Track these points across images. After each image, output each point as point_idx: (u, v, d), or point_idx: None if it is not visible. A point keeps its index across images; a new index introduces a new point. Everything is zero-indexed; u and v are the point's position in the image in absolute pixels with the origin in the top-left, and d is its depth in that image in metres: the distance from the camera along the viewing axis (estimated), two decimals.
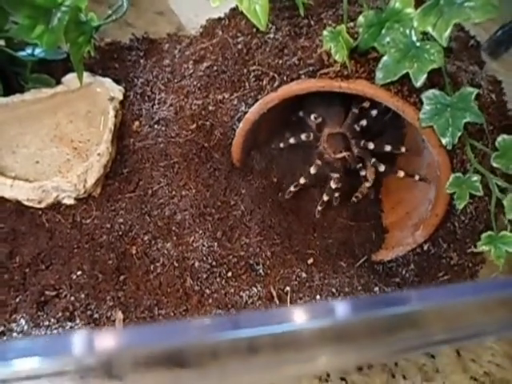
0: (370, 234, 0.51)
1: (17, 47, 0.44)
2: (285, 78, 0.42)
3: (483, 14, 0.35)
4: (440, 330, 0.31)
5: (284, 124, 0.52)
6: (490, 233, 0.37)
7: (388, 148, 0.48)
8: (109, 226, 0.43)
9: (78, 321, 0.38)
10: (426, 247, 0.47)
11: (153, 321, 0.41)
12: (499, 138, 0.37)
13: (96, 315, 0.39)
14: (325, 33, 0.38)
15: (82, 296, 0.40)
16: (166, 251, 0.44)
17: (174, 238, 0.45)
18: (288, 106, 0.50)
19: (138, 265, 0.43)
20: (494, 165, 0.38)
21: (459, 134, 0.38)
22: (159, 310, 0.41)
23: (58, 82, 0.46)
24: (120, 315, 0.40)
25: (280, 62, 0.43)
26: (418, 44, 0.38)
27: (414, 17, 0.37)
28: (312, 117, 0.47)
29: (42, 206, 0.42)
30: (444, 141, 0.38)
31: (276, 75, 0.43)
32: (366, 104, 0.47)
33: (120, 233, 0.44)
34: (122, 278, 0.42)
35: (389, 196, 0.54)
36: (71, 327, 0.38)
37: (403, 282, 0.48)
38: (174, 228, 0.45)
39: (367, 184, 0.51)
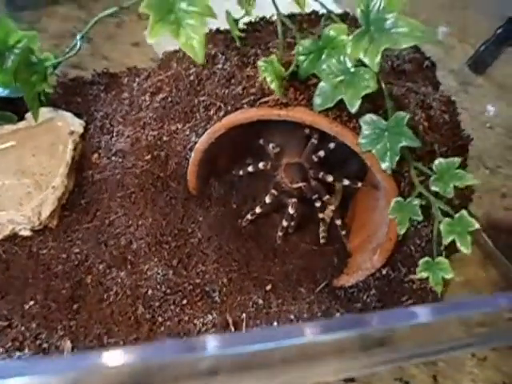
0: (332, 259, 0.50)
1: None
2: (229, 108, 0.43)
3: (411, 40, 0.35)
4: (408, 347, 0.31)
5: (245, 151, 0.52)
6: (427, 259, 0.36)
7: (346, 182, 0.48)
8: (65, 256, 0.45)
9: (26, 350, 0.39)
10: (385, 272, 0.46)
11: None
12: (436, 162, 0.37)
13: (45, 345, 0.40)
14: (259, 63, 0.39)
15: (33, 326, 0.41)
16: (119, 280, 0.45)
17: (129, 266, 0.45)
18: (250, 133, 0.51)
19: (92, 293, 0.44)
20: (433, 188, 0.37)
21: (397, 158, 0.37)
22: (109, 338, 0.42)
23: (23, 118, 0.48)
24: (68, 344, 0.40)
25: (226, 91, 0.44)
26: (352, 70, 0.38)
27: (347, 43, 0.37)
28: (270, 146, 0.48)
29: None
30: (383, 165, 0.38)
31: (222, 105, 0.44)
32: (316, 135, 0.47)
33: (76, 262, 0.45)
34: (75, 306, 0.43)
35: (355, 219, 0.53)
36: (19, 357, 0.39)
37: (365, 307, 0.47)
38: (129, 257, 0.46)
39: (331, 207, 0.51)
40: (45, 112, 0.48)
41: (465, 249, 0.34)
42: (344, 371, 0.27)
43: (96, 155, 0.48)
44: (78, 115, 0.49)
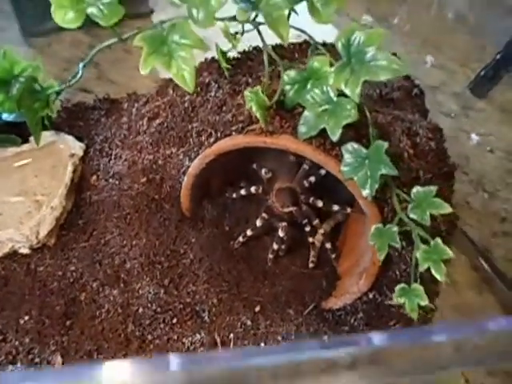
0: (321, 282, 0.51)
1: None
2: (219, 134, 0.45)
3: (389, 73, 0.37)
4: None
5: (238, 175, 0.54)
6: (403, 285, 0.37)
7: (335, 208, 0.49)
8: (61, 273, 0.47)
9: (19, 364, 0.41)
10: (371, 296, 0.47)
11: None
12: (414, 190, 0.38)
13: (37, 359, 0.42)
14: (246, 93, 0.41)
15: (27, 340, 0.43)
16: (112, 297, 0.46)
17: (122, 285, 0.47)
18: (243, 157, 0.53)
19: (85, 310, 0.46)
20: (411, 215, 0.38)
21: (377, 185, 0.38)
22: (98, 354, 0.43)
23: (27, 141, 0.51)
24: (59, 359, 0.42)
25: (217, 118, 0.46)
26: (334, 99, 0.40)
27: (330, 75, 0.39)
28: (263, 171, 0.49)
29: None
30: (364, 193, 0.39)
31: (213, 131, 0.46)
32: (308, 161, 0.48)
33: (71, 280, 0.47)
34: (68, 322, 0.45)
35: (345, 243, 0.54)
36: (12, 370, 0.41)
37: (352, 330, 0.48)
38: (122, 275, 0.48)
39: (320, 231, 0.52)
40: (47, 135, 0.50)
41: (439, 276, 0.35)
42: None
43: (95, 177, 0.50)
44: (80, 139, 0.52)
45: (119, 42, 0.47)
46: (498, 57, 0.75)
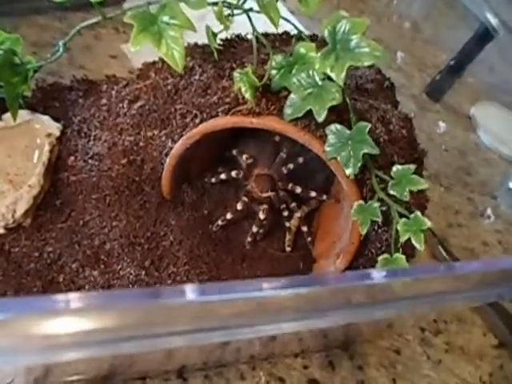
0: (297, 264, 0.53)
1: None
2: (205, 116, 0.46)
3: (372, 58, 0.39)
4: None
5: (218, 160, 0.55)
6: (385, 256, 0.39)
7: (313, 194, 0.51)
8: (37, 254, 0.45)
9: None
10: None
11: None
12: (394, 168, 0.41)
13: None
14: (235, 74, 0.42)
15: None
16: (92, 279, 0.45)
17: (102, 266, 0.46)
18: (223, 143, 0.54)
19: (63, 292, 0.45)
20: (391, 192, 0.40)
21: (359, 164, 0.41)
22: None
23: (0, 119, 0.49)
24: None
25: (202, 100, 0.47)
26: (320, 83, 0.42)
27: (316, 60, 0.41)
28: (244, 157, 0.50)
29: None
30: (347, 171, 0.41)
31: (198, 113, 0.46)
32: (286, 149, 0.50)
33: (48, 261, 0.45)
34: None
35: (320, 227, 0.56)
36: None
37: None
38: (102, 257, 0.47)
39: (298, 215, 0.54)
40: (23, 114, 0.49)
41: (419, 245, 0.37)
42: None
43: (72, 158, 0.49)
44: (56, 119, 0.51)
45: (103, 21, 0.47)
46: (452, 63, 0.82)
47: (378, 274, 0.25)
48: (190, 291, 0.21)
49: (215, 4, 0.43)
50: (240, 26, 0.49)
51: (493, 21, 0.69)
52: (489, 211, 0.76)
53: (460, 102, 0.87)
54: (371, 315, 0.29)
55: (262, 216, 0.50)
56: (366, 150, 0.40)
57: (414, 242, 0.38)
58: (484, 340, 0.62)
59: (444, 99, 0.85)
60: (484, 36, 0.67)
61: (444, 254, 0.67)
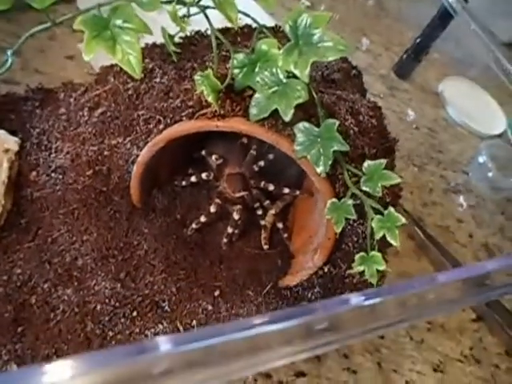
0: (276, 261, 0.52)
1: None
2: (169, 121, 0.44)
3: (335, 53, 0.38)
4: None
5: (187, 162, 0.54)
6: (362, 254, 0.39)
7: (286, 190, 0.51)
8: (6, 278, 0.44)
9: None
10: (326, 269, 0.49)
11: None
12: (365, 164, 0.40)
13: None
14: (196, 77, 0.41)
15: None
16: (66, 297, 0.44)
17: (75, 283, 0.45)
18: (190, 145, 0.52)
19: (37, 314, 0.43)
20: (364, 188, 0.40)
21: (330, 162, 0.40)
22: (58, 358, 0.41)
23: None
24: (15, 369, 0.39)
25: (165, 105, 0.45)
26: (284, 81, 0.40)
27: (279, 57, 0.40)
28: (213, 157, 0.49)
29: None
30: (318, 170, 0.41)
31: (162, 118, 0.45)
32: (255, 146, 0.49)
33: (18, 284, 0.44)
34: (19, 329, 0.42)
35: (295, 222, 0.56)
36: None
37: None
38: (75, 273, 0.45)
39: (272, 212, 0.53)
40: None
41: (394, 242, 0.37)
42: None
43: (34, 173, 0.47)
44: (13, 132, 0.48)
45: (53, 26, 0.44)
46: (418, 41, 0.81)
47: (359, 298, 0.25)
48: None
49: (169, 3, 0.41)
50: (199, 21, 0.47)
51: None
52: (461, 187, 0.77)
53: (428, 79, 0.87)
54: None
55: (236, 216, 0.49)
56: (335, 148, 0.39)
57: (388, 238, 0.37)
58: (463, 315, 0.64)
59: (412, 77, 0.85)
60: (446, 13, 0.67)
61: (421, 234, 0.67)
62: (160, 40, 0.49)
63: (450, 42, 0.89)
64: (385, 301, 0.29)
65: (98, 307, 0.44)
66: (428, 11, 0.84)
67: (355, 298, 0.28)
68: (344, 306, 0.27)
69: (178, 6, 0.41)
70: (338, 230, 0.41)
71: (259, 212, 0.51)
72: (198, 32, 0.51)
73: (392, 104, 0.83)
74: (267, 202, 0.51)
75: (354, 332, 0.31)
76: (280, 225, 0.53)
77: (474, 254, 0.70)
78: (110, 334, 0.44)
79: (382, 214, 0.40)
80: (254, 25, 0.52)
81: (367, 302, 0.26)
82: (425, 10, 0.86)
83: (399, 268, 0.63)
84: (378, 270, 0.38)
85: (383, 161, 0.40)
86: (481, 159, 0.76)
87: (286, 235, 0.53)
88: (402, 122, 0.81)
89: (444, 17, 0.72)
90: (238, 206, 0.49)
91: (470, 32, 0.65)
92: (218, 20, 0.45)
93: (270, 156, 0.51)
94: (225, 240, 0.51)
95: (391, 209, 0.38)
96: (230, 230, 0.51)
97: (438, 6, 0.80)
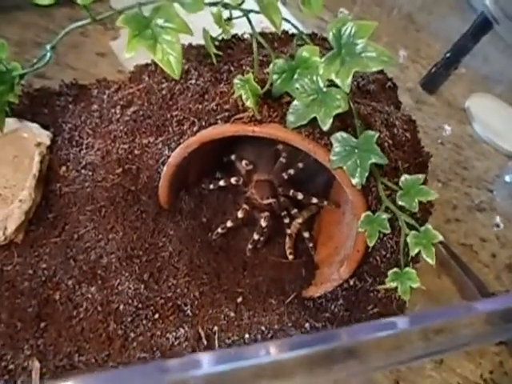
0: (300, 271, 0.51)
1: None
2: (203, 123, 0.44)
3: (379, 64, 0.37)
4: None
5: (215, 166, 0.53)
6: (395, 270, 0.38)
7: (314, 200, 0.50)
8: (31, 272, 0.43)
9: None
10: (352, 282, 0.48)
11: (72, 368, 0.40)
12: (402, 178, 0.39)
13: (11, 366, 0.39)
14: (235, 81, 0.40)
15: None
16: (90, 295, 0.44)
17: (99, 281, 0.45)
18: (220, 148, 0.52)
19: (60, 311, 0.43)
20: (400, 203, 0.39)
21: (366, 174, 0.39)
22: (80, 356, 0.41)
23: None
24: (37, 365, 0.39)
25: (200, 107, 0.44)
26: (324, 90, 0.40)
27: (320, 65, 0.39)
28: (243, 163, 0.49)
29: None
30: (354, 181, 0.40)
31: (196, 120, 0.44)
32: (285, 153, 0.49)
33: (43, 279, 0.43)
34: (42, 325, 0.42)
35: (321, 232, 0.55)
36: None
37: (333, 316, 0.49)
38: (99, 272, 0.45)
39: (299, 220, 0.52)
40: (10, 123, 0.46)
41: (430, 259, 0.36)
42: None
43: (64, 168, 0.47)
44: (45, 127, 0.48)
45: (92, 23, 0.44)
46: (448, 55, 0.80)
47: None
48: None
49: (213, 5, 0.41)
50: (235, 25, 0.47)
51: (492, 8, 0.67)
52: (486, 205, 0.76)
53: (455, 94, 0.86)
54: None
55: (263, 224, 0.49)
56: (373, 160, 0.39)
57: (424, 256, 0.36)
58: None
59: (439, 91, 0.84)
60: (483, 26, 0.65)
61: (443, 251, 0.66)
62: (195, 42, 0.49)
63: (478, 58, 0.88)
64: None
65: (121, 307, 0.44)
66: (457, 25, 0.83)
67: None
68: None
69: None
70: (371, 244, 0.40)
71: (286, 220, 0.51)
72: (235, 35, 0.50)
73: (418, 118, 0.82)
74: (295, 210, 0.51)
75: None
76: (306, 234, 0.52)
77: (497, 274, 0.69)
78: (132, 335, 0.43)
79: (415, 229, 0.40)
80: (291, 31, 0.52)
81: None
82: (454, 24, 0.86)
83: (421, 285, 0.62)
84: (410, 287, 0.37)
85: (421, 176, 0.39)
86: (508, 178, 0.75)
87: (311, 245, 0.53)
88: (427, 137, 0.80)
89: (479, 30, 0.71)
90: (266, 213, 0.49)
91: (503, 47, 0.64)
92: (255, 24, 0.45)
93: (300, 165, 0.50)
94: (250, 246, 0.51)
95: (428, 226, 0.37)
96: (256, 236, 0.50)
97: (466, 18, 0.79)
